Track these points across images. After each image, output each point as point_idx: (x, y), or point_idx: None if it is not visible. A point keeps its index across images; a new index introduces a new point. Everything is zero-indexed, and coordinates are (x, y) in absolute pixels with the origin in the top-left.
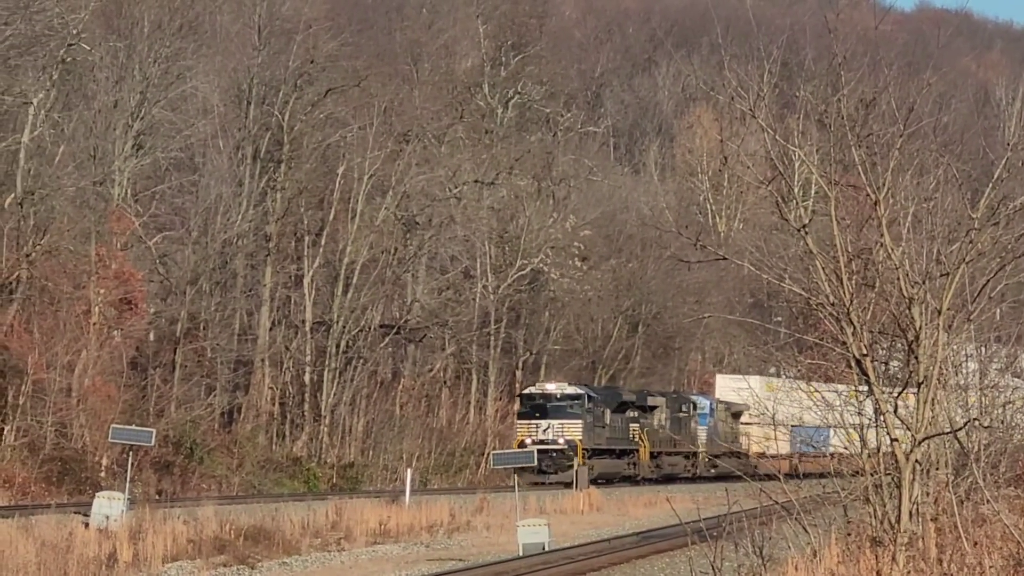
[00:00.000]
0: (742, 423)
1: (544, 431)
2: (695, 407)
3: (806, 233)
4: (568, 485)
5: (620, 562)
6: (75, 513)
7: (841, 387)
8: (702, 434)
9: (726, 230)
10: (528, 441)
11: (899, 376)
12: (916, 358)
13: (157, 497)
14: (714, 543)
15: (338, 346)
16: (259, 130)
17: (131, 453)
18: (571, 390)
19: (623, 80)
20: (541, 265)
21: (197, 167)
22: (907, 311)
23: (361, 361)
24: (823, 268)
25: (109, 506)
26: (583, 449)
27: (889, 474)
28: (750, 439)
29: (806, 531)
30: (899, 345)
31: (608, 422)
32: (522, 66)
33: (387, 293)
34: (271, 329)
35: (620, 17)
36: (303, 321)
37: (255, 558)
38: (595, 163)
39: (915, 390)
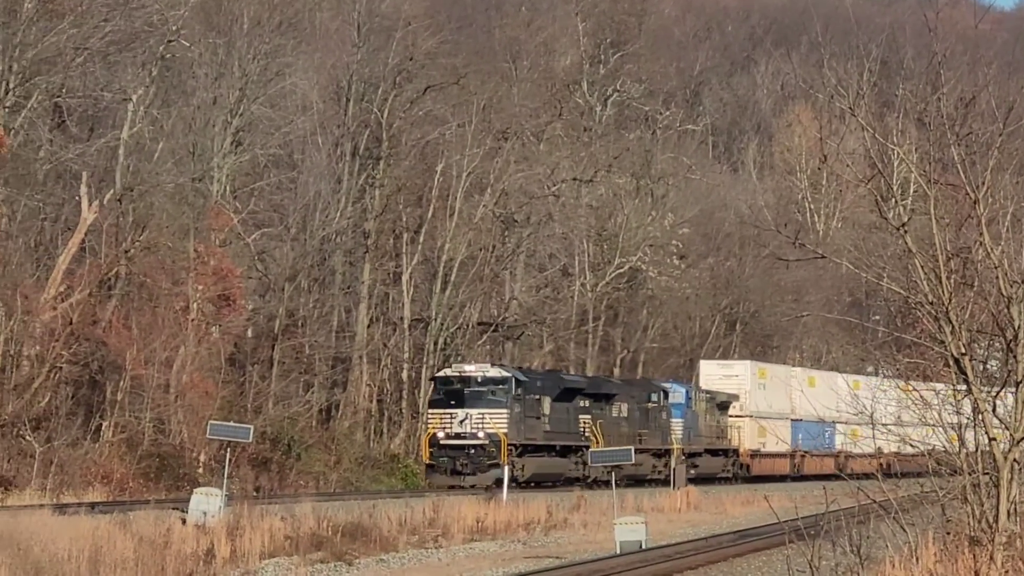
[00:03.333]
0: (731, 416)
1: (461, 422)
2: (666, 396)
3: (905, 232)
4: (487, 489)
5: (717, 560)
6: (173, 509)
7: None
8: (677, 428)
9: (824, 229)
10: (440, 435)
11: (997, 375)
12: (1015, 357)
13: (255, 494)
14: (811, 542)
15: (436, 343)
16: (358, 127)
17: (229, 450)
18: (495, 372)
19: (722, 78)
20: (639, 263)
21: (296, 164)
22: (1006, 310)
23: (459, 358)
24: (922, 267)
25: (207, 502)
26: (508, 445)
27: (987, 473)
28: (741, 434)
29: (904, 530)
30: (998, 344)
31: (547, 412)
32: (621, 64)
33: (485, 290)
34: (369, 326)
35: (719, 15)
36: (401, 318)
37: (352, 555)
38: (693, 161)
39: (1014, 389)
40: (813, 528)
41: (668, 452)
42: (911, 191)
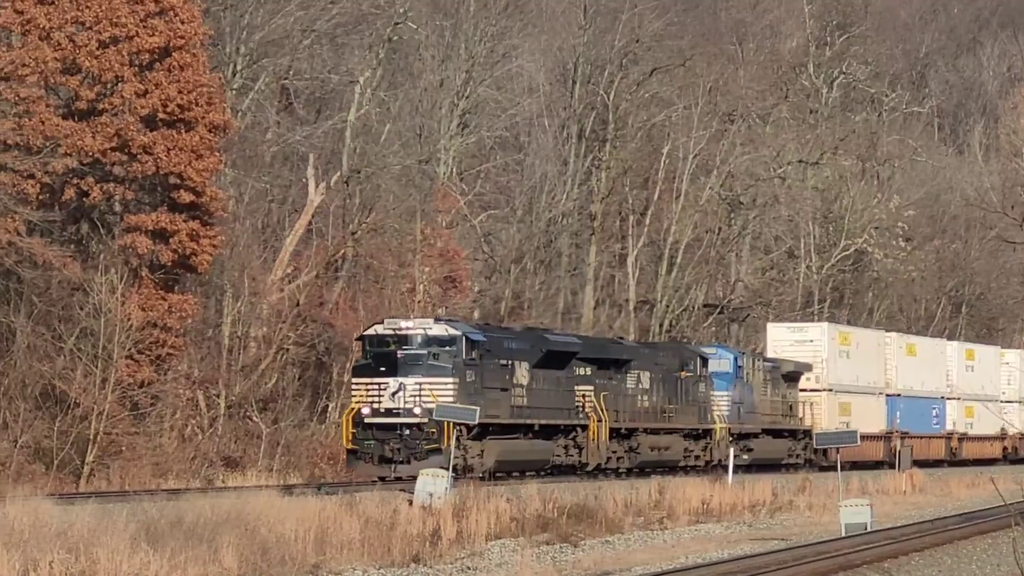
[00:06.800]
0: (803, 390)
1: (392, 395)
2: (705, 363)
3: None
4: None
5: (943, 543)
6: (399, 491)
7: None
8: (722, 403)
9: None
10: (366, 411)
11: None
12: None
13: (481, 475)
14: None
15: (661, 325)
16: (584, 109)
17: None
18: (439, 329)
19: (948, 60)
20: (865, 245)
21: (522, 146)
22: None
23: (684, 340)
24: None
25: (433, 484)
26: (455, 425)
27: None
28: (815, 412)
29: None
30: None
31: (523, 382)
32: (847, 46)
33: (710, 272)
34: (595, 308)
35: None
36: (627, 300)
37: (578, 536)
38: (919, 143)
39: None
40: None
41: (708, 433)
42: None
